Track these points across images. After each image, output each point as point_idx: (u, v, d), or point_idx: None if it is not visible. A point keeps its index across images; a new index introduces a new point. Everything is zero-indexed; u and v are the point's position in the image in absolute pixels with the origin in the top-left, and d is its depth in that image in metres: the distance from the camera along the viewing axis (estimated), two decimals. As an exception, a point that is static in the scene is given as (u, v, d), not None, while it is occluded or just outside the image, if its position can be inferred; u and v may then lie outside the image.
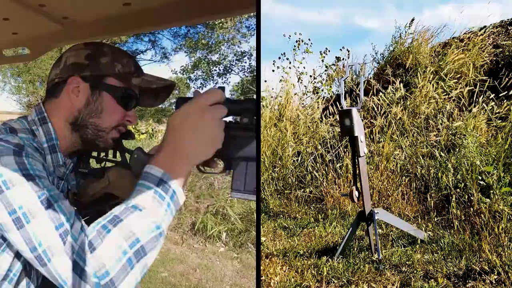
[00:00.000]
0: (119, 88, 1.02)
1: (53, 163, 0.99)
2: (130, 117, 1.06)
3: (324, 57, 5.79)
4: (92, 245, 0.76)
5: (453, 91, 3.95)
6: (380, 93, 4.16)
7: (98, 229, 0.78)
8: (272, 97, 4.97)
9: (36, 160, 0.88)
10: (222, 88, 0.94)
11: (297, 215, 3.53)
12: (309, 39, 5.96)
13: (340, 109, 2.54)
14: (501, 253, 2.32)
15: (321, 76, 5.69)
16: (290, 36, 5.99)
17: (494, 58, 4.38)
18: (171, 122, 0.86)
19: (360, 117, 2.65)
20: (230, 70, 17.30)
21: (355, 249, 2.59)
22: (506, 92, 3.72)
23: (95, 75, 1.01)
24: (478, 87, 3.91)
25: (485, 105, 3.59)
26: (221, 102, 0.86)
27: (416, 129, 3.76)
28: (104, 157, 1.13)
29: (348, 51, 5.62)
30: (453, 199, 2.90)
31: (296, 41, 5.89)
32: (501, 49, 4.43)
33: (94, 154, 1.12)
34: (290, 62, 5.75)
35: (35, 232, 0.78)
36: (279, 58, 5.92)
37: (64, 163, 1.05)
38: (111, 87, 1.01)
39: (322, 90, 5.50)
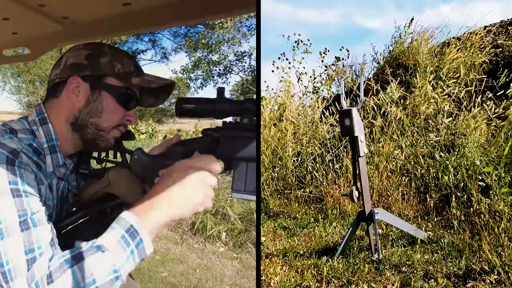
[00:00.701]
0: (119, 88, 1.02)
1: (53, 163, 0.99)
2: (130, 117, 1.06)
3: (323, 57, 5.79)
4: (51, 277, 0.78)
5: (452, 90, 3.95)
6: (380, 93, 4.16)
7: (61, 262, 0.80)
8: (272, 97, 4.97)
9: (29, 171, 0.88)
10: (222, 89, 0.94)
11: (297, 215, 3.53)
12: (308, 40, 5.97)
13: (340, 109, 2.54)
14: (501, 253, 2.32)
15: (320, 76, 5.70)
16: (289, 36, 5.99)
17: (494, 58, 4.38)
18: (162, 175, 0.90)
19: (360, 117, 2.65)
20: (230, 70, 17.30)
21: (355, 249, 2.59)
22: (504, 91, 3.72)
23: (95, 75, 1.01)
24: (477, 86, 3.91)
25: (485, 105, 3.59)
26: (212, 171, 0.88)
27: (416, 129, 3.76)
28: (104, 157, 1.13)
29: (348, 51, 5.62)
30: (453, 199, 2.90)
31: (295, 42, 5.90)
32: (501, 49, 4.43)
33: (95, 154, 1.12)
34: (289, 63, 5.75)
35: (6, 250, 0.79)
36: (279, 58, 5.92)
37: (64, 163, 1.05)
38: (111, 87, 1.02)
39: (322, 90, 5.50)
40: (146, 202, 0.86)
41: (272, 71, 5.87)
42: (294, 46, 5.86)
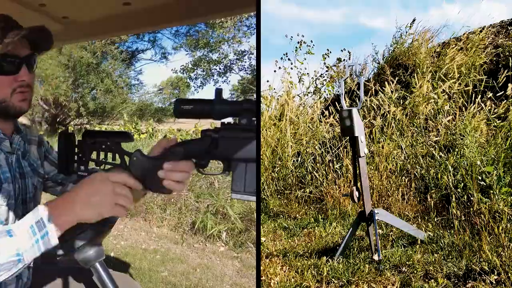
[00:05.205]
0: None
1: None
2: (21, 77, 1.10)
3: (325, 58, 5.80)
4: None
5: (452, 91, 3.95)
6: (380, 93, 4.16)
7: None
8: (272, 96, 4.96)
9: None
10: (220, 90, 0.93)
11: (297, 215, 3.53)
12: (311, 41, 5.97)
13: (340, 109, 2.54)
14: (501, 253, 2.32)
15: (322, 76, 5.70)
16: (291, 37, 5.98)
17: (494, 58, 4.37)
18: (84, 180, 0.99)
19: (360, 117, 2.65)
20: (230, 69, 17.30)
21: (355, 249, 2.59)
22: (503, 91, 3.71)
23: None
24: (477, 87, 3.90)
25: (483, 105, 3.59)
26: (126, 183, 0.97)
27: (415, 129, 3.76)
28: (103, 159, 1.13)
29: (349, 52, 5.62)
30: (453, 199, 2.89)
31: (298, 42, 5.89)
32: (501, 49, 4.42)
33: (93, 156, 1.12)
34: (291, 63, 5.75)
35: None
36: (281, 58, 5.91)
37: (6, 137, 1.13)
38: None
39: (324, 91, 5.51)
40: (64, 197, 0.96)
41: (275, 71, 5.87)
42: (296, 47, 5.86)
